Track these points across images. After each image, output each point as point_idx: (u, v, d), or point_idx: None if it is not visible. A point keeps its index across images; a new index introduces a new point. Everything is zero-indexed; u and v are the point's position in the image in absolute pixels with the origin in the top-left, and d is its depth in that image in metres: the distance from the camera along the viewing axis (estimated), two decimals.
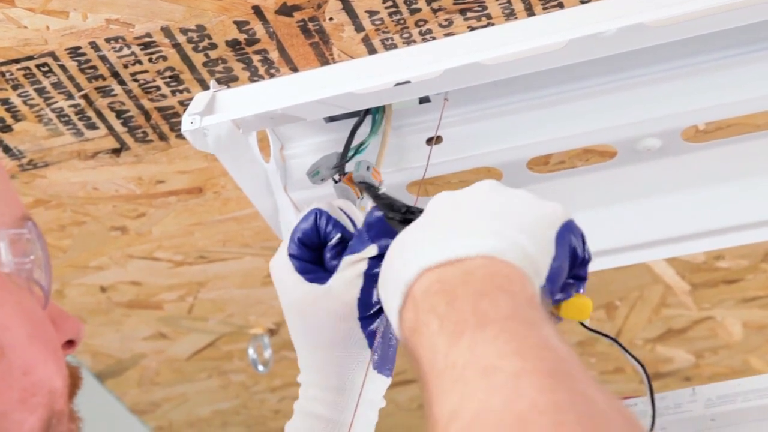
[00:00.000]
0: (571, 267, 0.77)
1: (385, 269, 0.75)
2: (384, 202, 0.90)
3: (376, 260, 0.88)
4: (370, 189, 0.92)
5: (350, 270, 0.89)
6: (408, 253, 0.71)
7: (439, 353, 0.64)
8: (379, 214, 0.89)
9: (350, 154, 1.01)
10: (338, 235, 0.90)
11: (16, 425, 0.68)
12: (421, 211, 0.87)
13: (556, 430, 0.57)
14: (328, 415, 0.91)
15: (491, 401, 0.59)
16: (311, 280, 0.90)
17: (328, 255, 0.90)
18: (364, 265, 0.88)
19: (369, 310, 0.89)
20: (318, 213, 0.91)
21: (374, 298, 0.89)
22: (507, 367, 0.61)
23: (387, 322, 0.90)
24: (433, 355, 0.64)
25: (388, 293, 0.71)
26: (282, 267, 0.91)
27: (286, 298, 0.92)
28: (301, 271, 0.90)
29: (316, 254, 0.91)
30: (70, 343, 0.75)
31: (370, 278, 0.88)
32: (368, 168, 1.00)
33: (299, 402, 0.92)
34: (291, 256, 0.91)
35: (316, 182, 1.02)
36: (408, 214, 0.87)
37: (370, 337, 0.90)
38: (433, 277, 0.68)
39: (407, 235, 0.75)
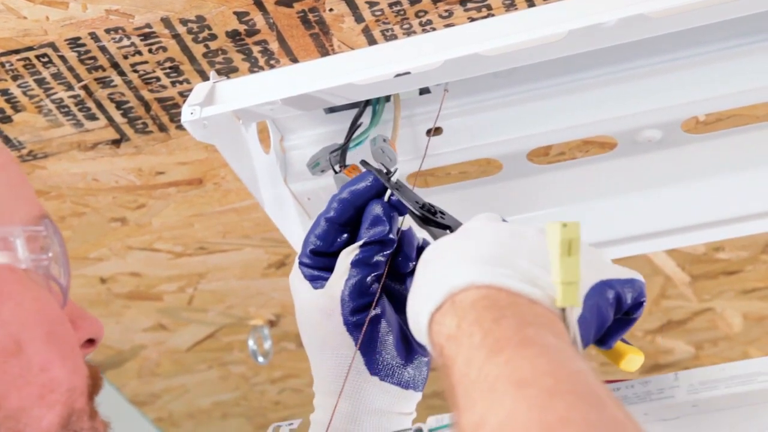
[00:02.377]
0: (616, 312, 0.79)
1: (427, 273, 0.74)
2: (405, 195, 0.90)
3: (369, 248, 0.89)
4: (383, 175, 0.92)
5: (343, 261, 0.89)
6: (461, 266, 0.71)
7: (474, 365, 0.64)
8: (376, 207, 0.89)
9: (351, 144, 1.01)
10: (346, 236, 0.91)
11: (35, 421, 0.68)
12: (442, 212, 0.88)
13: None
14: (335, 424, 0.89)
15: (519, 411, 0.60)
16: (316, 288, 0.90)
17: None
18: (353, 255, 0.89)
19: (353, 308, 0.88)
20: (328, 219, 0.91)
21: (358, 294, 0.88)
22: (541, 383, 0.61)
23: (385, 328, 0.90)
24: (468, 365, 0.65)
25: (428, 292, 0.71)
26: (295, 275, 0.92)
27: (297, 306, 0.92)
28: (310, 278, 0.91)
29: (329, 260, 0.91)
30: (90, 342, 0.75)
31: (360, 268, 0.88)
32: (384, 140, 1.00)
33: (315, 414, 0.92)
34: (301, 264, 0.91)
35: (316, 173, 1.02)
36: (433, 215, 0.88)
37: (357, 338, 0.89)
38: (482, 293, 0.69)
39: (461, 243, 0.75)
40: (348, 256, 0.89)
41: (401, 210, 0.91)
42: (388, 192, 0.91)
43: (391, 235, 0.90)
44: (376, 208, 0.90)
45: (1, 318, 0.69)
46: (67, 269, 0.74)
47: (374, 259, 0.89)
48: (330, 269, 0.90)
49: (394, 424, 0.91)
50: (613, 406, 0.61)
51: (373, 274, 0.89)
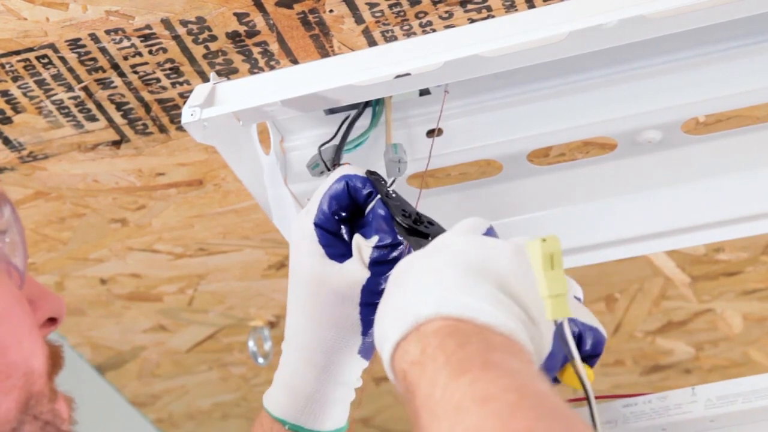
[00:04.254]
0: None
1: (396, 296, 0.74)
2: (394, 203, 0.90)
3: (387, 249, 0.89)
4: (379, 186, 0.92)
5: (359, 251, 0.89)
6: (428, 294, 0.71)
7: (438, 385, 0.65)
8: (382, 211, 0.89)
9: (348, 146, 1.01)
10: (375, 199, 0.90)
11: None
12: (431, 222, 0.87)
13: None
14: (307, 391, 0.92)
15: (485, 424, 0.60)
16: (330, 255, 0.90)
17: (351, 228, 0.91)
18: (375, 252, 0.89)
19: (372, 299, 0.89)
20: (350, 179, 0.91)
21: (381, 287, 0.89)
22: (505, 398, 0.61)
23: None
24: (432, 387, 0.65)
25: (393, 320, 0.71)
26: (304, 233, 0.91)
27: (298, 266, 0.92)
28: (324, 244, 0.90)
29: (341, 225, 0.91)
30: (51, 321, 0.73)
31: (380, 267, 0.88)
32: (397, 151, 1.00)
33: (280, 373, 0.93)
34: (317, 225, 0.91)
35: (316, 175, 1.02)
36: (418, 224, 0.87)
37: (366, 324, 0.90)
38: (448, 323, 0.69)
39: (431, 262, 0.75)
40: (364, 249, 0.89)
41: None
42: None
43: (398, 239, 0.90)
44: (382, 211, 0.90)
45: None
46: (24, 251, 0.72)
47: (390, 257, 0.89)
48: (341, 236, 0.91)
49: (352, 392, 0.94)
50: (579, 423, 0.61)
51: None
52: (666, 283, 1.46)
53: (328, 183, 0.92)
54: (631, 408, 0.89)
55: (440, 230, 0.87)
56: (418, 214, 0.89)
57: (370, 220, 0.90)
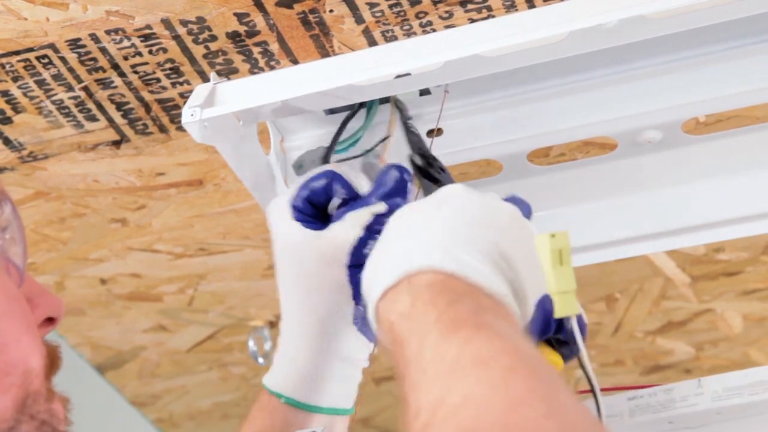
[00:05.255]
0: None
1: (389, 243, 0.73)
2: (413, 138, 0.88)
3: (382, 218, 0.85)
4: (404, 116, 0.90)
5: (352, 219, 0.86)
6: (422, 244, 0.70)
7: (428, 343, 0.64)
8: (394, 172, 0.87)
9: (340, 147, 1.01)
10: (344, 196, 0.88)
11: None
12: (442, 169, 0.85)
13: (550, 413, 0.57)
14: (302, 364, 0.89)
15: (482, 388, 0.59)
16: (309, 227, 0.87)
17: (330, 213, 0.88)
18: (368, 218, 0.85)
19: (360, 260, 0.84)
20: (331, 175, 0.88)
21: (368, 250, 0.85)
22: (503, 361, 0.61)
23: None
24: (421, 344, 0.64)
25: (384, 266, 0.70)
26: (280, 212, 0.89)
27: (279, 241, 0.89)
28: (300, 220, 0.88)
29: (317, 212, 0.89)
30: (50, 321, 0.73)
31: (371, 232, 0.85)
32: (377, 157, 1.00)
33: (279, 352, 0.91)
34: (295, 208, 0.88)
35: (300, 174, 1.02)
36: (431, 168, 0.86)
37: (357, 287, 0.86)
38: (440, 278, 0.68)
39: (431, 214, 0.73)
40: (359, 217, 0.86)
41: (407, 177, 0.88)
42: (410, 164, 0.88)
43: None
44: (395, 173, 0.87)
45: None
46: (24, 249, 0.72)
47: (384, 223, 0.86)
48: (321, 220, 0.88)
49: (355, 372, 0.91)
50: (566, 389, 0.61)
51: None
52: (666, 283, 1.46)
53: (310, 174, 0.90)
54: (636, 401, 0.89)
55: (449, 180, 0.86)
56: (433, 156, 0.87)
57: (375, 188, 0.87)
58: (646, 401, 0.87)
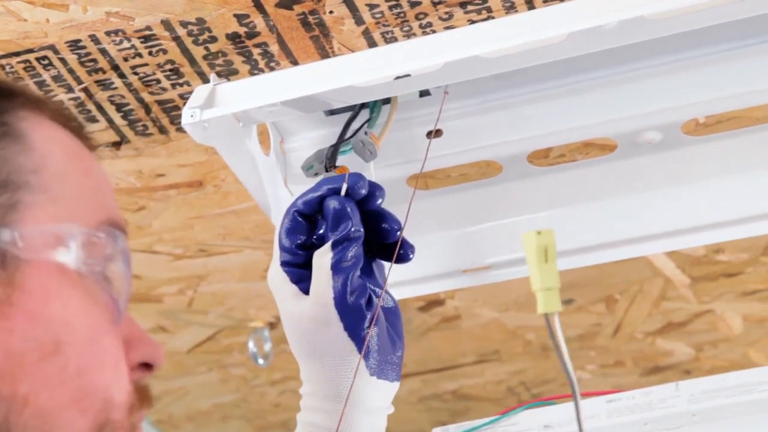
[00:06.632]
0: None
1: None
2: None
3: (341, 247, 0.88)
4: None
5: (320, 266, 0.88)
6: None
7: None
8: (332, 203, 0.89)
9: (347, 147, 1.01)
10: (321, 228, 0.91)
11: (66, 423, 0.65)
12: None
13: None
14: (328, 425, 0.89)
15: None
16: (304, 290, 0.90)
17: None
18: (329, 259, 0.88)
19: (348, 312, 0.88)
20: (295, 211, 0.91)
21: (349, 298, 0.88)
22: None
23: (382, 325, 0.90)
24: None
25: None
26: (276, 278, 0.91)
27: (282, 309, 0.92)
28: (295, 281, 0.90)
29: (307, 255, 0.90)
30: (147, 367, 0.72)
31: (339, 273, 0.87)
32: (366, 133, 1.00)
33: (301, 414, 0.92)
34: (283, 264, 0.91)
35: (311, 176, 1.02)
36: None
37: (358, 341, 0.88)
38: None
39: None
40: (322, 258, 0.88)
41: (356, 195, 0.90)
42: (344, 186, 0.90)
43: (354, 228, 0.89)
44: (333, 203, 0.89)
45: (46, 315, 0.66)
46: (127, 289, 0.71)
47: (350, 255, 0.88)
48: (310, 264, 0.90)
49: (382, 419, 0.92)
50: None
51: (357, 271, 0.89)
52: (666, 284, 1.46)
53: (279, 223, 0.92)
54: (614, 403, 0.89)
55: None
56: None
57: (325, 219, 0.90)
58: (624, 404, 0.88)
